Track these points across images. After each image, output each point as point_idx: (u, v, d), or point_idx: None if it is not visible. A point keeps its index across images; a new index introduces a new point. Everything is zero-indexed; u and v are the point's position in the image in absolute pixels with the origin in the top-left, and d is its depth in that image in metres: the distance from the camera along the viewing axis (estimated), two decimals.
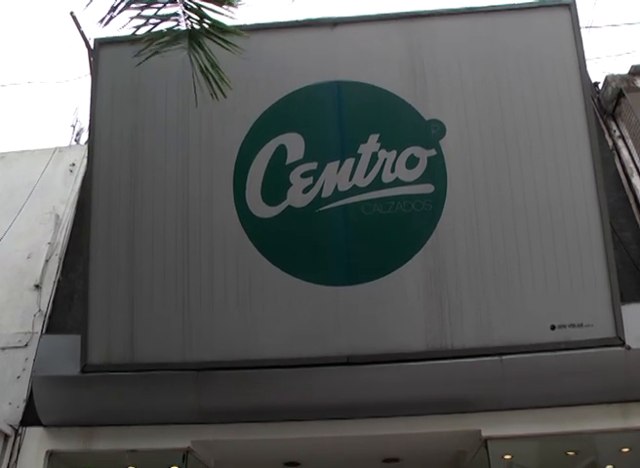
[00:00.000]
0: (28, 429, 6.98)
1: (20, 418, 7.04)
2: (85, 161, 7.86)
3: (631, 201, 7.92)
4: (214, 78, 5.47)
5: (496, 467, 6.77)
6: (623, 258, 7.25)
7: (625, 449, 7.20)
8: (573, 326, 6.40)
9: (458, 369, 6.43)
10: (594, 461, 7.38)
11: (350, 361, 6.37)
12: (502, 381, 6.41)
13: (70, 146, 9.72)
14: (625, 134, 8.64)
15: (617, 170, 8.24)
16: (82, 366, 6.61)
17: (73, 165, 8.95)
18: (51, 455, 6.93)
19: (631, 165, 8.27)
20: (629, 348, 6.35)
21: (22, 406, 7.11)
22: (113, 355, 6.61)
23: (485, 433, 6.63)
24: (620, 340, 6.34)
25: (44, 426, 6.92)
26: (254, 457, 7.61)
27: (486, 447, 6.67)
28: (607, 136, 8.64)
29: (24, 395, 7.15)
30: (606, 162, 7.66)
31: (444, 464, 8.10)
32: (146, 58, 5.44)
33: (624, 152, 8.44)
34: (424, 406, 6.55)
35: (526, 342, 6.38)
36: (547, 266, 6.57)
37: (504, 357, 6.39)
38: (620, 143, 8.55)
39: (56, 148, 9.22)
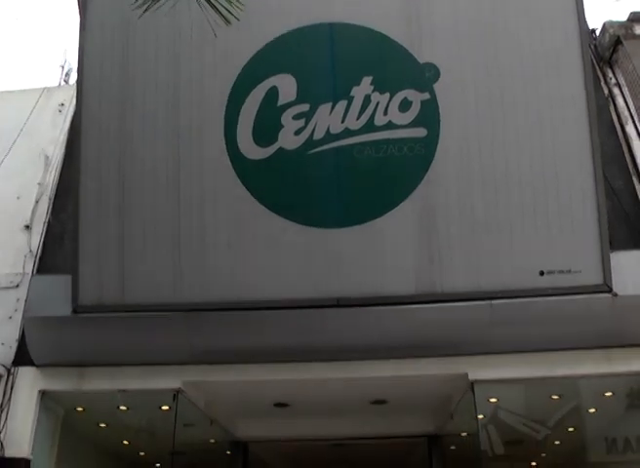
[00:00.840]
0: (21, 369, 7.04)
1: (12, 358, 7.08)
2: (74, 101, 7.72)
3: (625, 149, 7.88)
4: (221, 4, 5.33)
5: (482, 410, 6.91)
6: (614, 206, 7.24)
7: (608, 394, 7.35)
8: (561, 272, 6.41)
9: (447, 313, 6.49)
10: (578, 405, 7.53)
11: (340, 303, 6.40)
12: (490, 325, 6.47)
13: (59, 86, 9.56)
14: (621, 81, 8.54)
15: (611, 118, 8.17)
16: (73, 307, 6.61)
17: (62, 105, 8.80)
18: (43, 395, 7.02)
19: (626, 113, 8.19)
20: (616, 295, 6.40)
21: (15, 346, 7.15)
22: (104, 296, 6.62)
23: (472, 376, 6.73)
24: (607, 287, 6.38)
25: (36, 366, 6.97)
26: (244, 398, 7.72)
27: (472, 390, 6.77)
28: (602, 83, 8.54)
29: (17, 335, 7.17)
30: (601, 110, 7.58)
31: (431, 406, 8.24)
32: (147, 10, 5.28)
33: (620, 100, 8.36)
34: (413, 349, 6.62)
35: (515, 287, 6.41)
36: (538, 213, 6.56)
37: (493, 301, 6.43)
38: (616, 91, 8.46)
39: (44, 88, 9.05)
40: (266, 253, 6.55)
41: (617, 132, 8.03)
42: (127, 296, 6.56)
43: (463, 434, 8.16)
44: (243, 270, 6.53)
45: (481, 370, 6.68)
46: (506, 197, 6.61)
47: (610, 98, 8.36)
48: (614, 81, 8.54)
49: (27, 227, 7.81)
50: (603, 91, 8.39)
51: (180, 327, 6.60)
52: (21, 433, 6.78)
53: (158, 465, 8.02)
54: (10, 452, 6.66)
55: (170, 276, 6.55)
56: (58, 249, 7.59)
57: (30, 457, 6.71)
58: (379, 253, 6.50)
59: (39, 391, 6.98)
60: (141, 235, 6.69)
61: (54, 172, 8.21)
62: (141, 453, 8.82)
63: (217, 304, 6.48)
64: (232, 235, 6.60)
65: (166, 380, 6.84)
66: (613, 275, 6.37)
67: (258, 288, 6.47)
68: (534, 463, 8.99)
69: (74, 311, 6.63)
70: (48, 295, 6.89)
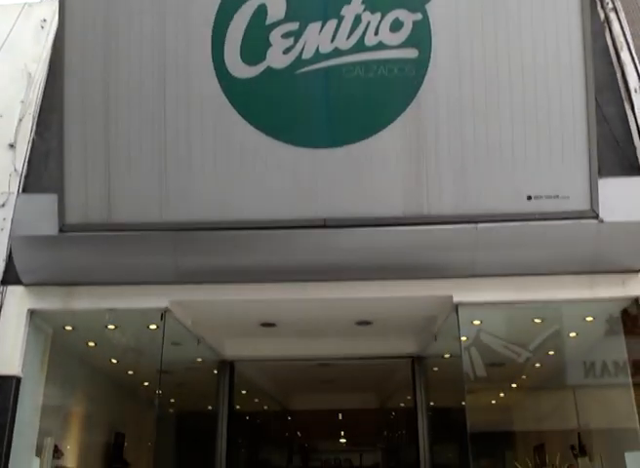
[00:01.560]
0: (9, 288, 7.04)
1: (0, 278, 7.07)
2: (56, 17, 7.47)
3: (618, 76, 7.76)
4: None
5: (465, 332, 7.03)
6: (605, 133, 7.17)
7: (589, 319, 7.49)
8: (549, 197, 6.42)
9: (433, 235, 6.50)
10: (559, 329, 7.67)
11: (327, 224, 6.39)
12: (476, 249, 6.52)
13: (40, 2, 9.23)
14: (618, 6, 8.33)
15: (606, 44, 8.02)
16: (60, 226, 6.58)
17: (44, 21, 8.52)
18: (32, 314, 7.05)
19: (622, 39, 8.02)
20: (602, 221, 6.43)
21: (2, 265, 7.12)
22: (91, 215, 6.57)
23: (456, 299, 6.82)
24: (593, 213, 6.41)
25: (24, 285, 6.99)
26: (230, 318, 7.83)
27: (456, 312, 6.88)
28: (599, 8, 8.33)
29: (4, 254, 7.12)
30: (596, 35, 7.41)
31: (415, 328, 8.39)
32: None
33: (616, 26, 8.17)
34: (398, 270, 6.67)
35: (501, 211, 6.42)
36: (528, 137, 6.50)
37: (479, 225, 6.44)
38: (613, 16, 8.26)
39: (25, 3, 8.75)
40: (253, 172, 6.47)
41: (611, 57, 7.90)
42: (113, 215, 6.52)
43: (446, 356, 8.36)
44: (230, 190, 6.47)
45: (465, 292, 6.78)
46: (497, 121, 6.52)
47: (606, 24, 8.18)
48: (610, 6, 8.33)
49: (11, 146, 7.68)
50: (599, 16, 8.20)
51: (166, 246, 6.59)
52: (11, 351, 6.84)
53: (147, 384, 8.15)
54: (0, 370, 6.73)
55: (156, 195, 6.49)
56: (43, 168, 7.47)
57: (21, 375, 6.78)
58: (367, 175, 6.44)
59: (28, 310, 7.00)
60: (127, 154, 6.58)
61: (37, 89, 7.97)
62: (130, 372, 8.98)
63: (203, 224, 6.45)
64: (219, 154, 6.51)
65: (153, 300, 6.90)
66: (600, 201, 6.39)
67: (244, 207, 6.44)
68: (514, 385, 9.26)
69: (61, 230, 6.60)
70: (34, 215, 6.85)
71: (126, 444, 9.84)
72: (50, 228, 6.63)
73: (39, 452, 7.20)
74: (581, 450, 8.52)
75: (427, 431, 8.97)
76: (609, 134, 7.27)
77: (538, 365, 8.19)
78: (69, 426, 8.69)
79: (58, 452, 7.77)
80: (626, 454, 6.82)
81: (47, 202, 6.69)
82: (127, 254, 6.69)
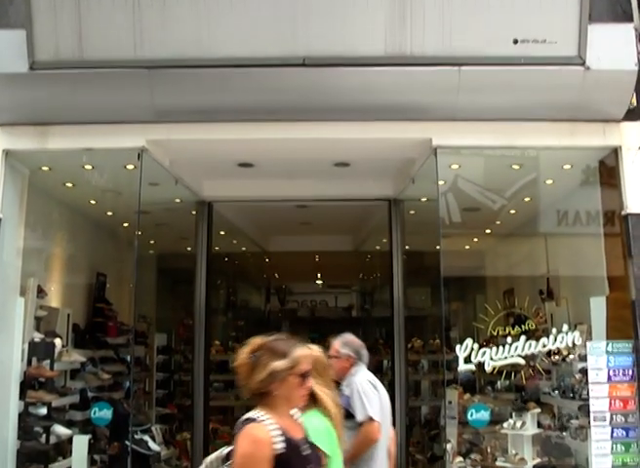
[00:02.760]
0: None
1: None
2: None
3: None
4: None
5: (443, 176, 7.05)
6: None
7: (567, 166, 7.54)
8: (536, 41, 6.23)
9: (414, 76, 6.36)
10: (536, 177, 7.72)
11: (306, 63, 6.19)
12: (458, 92, 6.40)
13: None
14: None
15: None
16: (30, 63, 6.31)
17: None
18: (7, 154, 6.93)
19: None
20: (588, 68, 6.30)
21: None
22: (61, 52, 6.28)
23: (435, 142, 6.76)
24: (580, 59, 6.26)
25: None
26: (208, 157, 7.75)
27: (435, 155, 6.84)
28: None
29: None
30: None
31: (393, 171, 8.38)
32: None
33: None
34: (378, 111, 6.57)
35: (486, 54, 6.25)
36: None
37: (463, 67, 6.28)
38: None
39: None
40: (230, 8, 6.13)
41: None
42: (86, 52, 6.23)
43: (423, 199, 8.40)
44: (206, 27, 6.17)
45: (445, 136, 6.72)
46: None
47: None
48: None
49: None
50: None
51: (142, 84, 6.39)
52: None
53: (126, 225, 8.21)
54: None
55: (129, 32, 6.16)
56: (8, 2, 7.02)
57: (0, 216, 6.78)
58: (348, 12, 6.16)
59: (3, 150, 6.87)
60: None
61: None
62: (109, 213, 9.02)
63: (179, 61, 6.22)
64: None
65: (130, 139, 6.76)
66: (587, 48, 6.22)
67: (221, 45, 6.19)
68: (488, 231, 9.47)
69: (31, 68, 6.33)
70: (2, 52, 6.51)
71: (108, 284, 10.05)
72: (19, 66, 6.35)
73: (23, 293, 7.31)
74: (549, 295, 8.90)
75: (402, 274, 9.12)
76: None
77: (512, 211, 8.30)
78: (52, 267, 8.82)
79: (41, 293, 7.90)
80: (591, 299, 7.09)
81: (15, 38, 6.36)
82: (101, 93, 6.49)
